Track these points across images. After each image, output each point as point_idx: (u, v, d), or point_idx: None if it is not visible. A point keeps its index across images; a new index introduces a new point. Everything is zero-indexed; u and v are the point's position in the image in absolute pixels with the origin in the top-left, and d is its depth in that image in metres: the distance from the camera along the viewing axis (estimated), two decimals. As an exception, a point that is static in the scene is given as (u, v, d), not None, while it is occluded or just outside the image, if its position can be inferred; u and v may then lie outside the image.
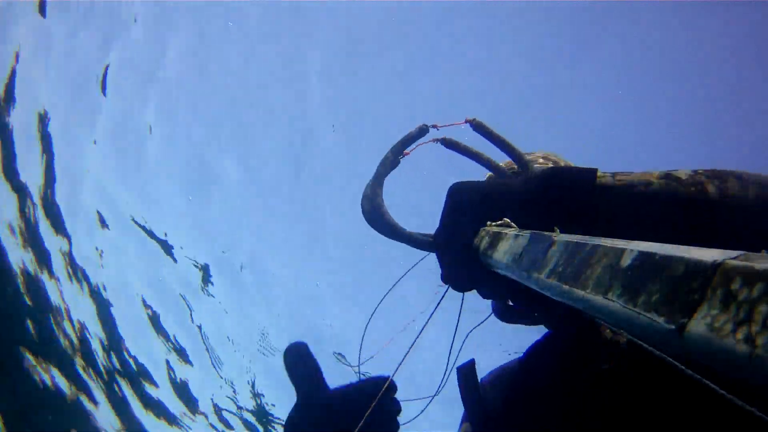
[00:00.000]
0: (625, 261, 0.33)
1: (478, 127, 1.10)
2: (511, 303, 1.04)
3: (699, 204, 0.65)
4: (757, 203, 0.65)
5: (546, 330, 1.05)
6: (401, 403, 0.87)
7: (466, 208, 0.75)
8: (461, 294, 0.86)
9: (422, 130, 1.12)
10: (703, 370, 0.27)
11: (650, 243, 0.34)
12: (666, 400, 0.79)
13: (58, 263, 8.03)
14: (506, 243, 0.60)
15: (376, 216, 0.95)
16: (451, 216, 0.78)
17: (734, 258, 0.25)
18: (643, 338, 0.30)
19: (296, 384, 0.86)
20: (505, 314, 1.11)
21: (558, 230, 0.49)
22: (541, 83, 9.33)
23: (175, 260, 9.01)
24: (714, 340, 0.24)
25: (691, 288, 0.26)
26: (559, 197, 0.71)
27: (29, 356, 7.58)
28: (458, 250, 0.75)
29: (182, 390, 9.17)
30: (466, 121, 1.12)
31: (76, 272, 8.25)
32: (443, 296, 0.94)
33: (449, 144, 1.10)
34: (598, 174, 0.71)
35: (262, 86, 9.47)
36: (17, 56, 6.97)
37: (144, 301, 8.86)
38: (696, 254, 0.28)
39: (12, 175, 7.18)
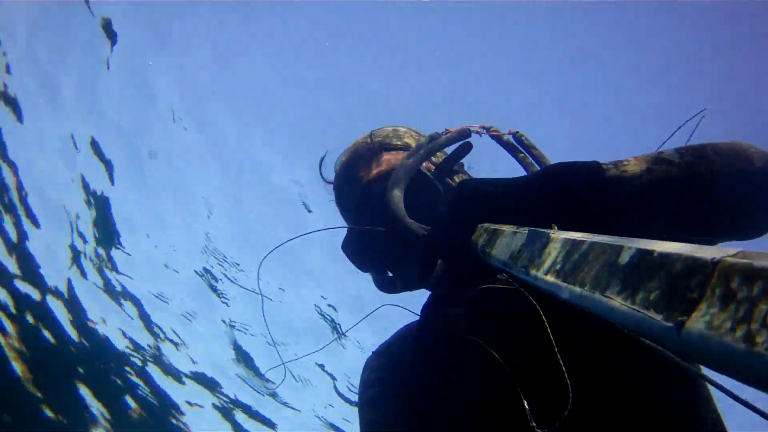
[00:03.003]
0: (624, 258, 0.33)
1: (519, 140, 1.13)
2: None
3: (695, 186, 0.70)
4: (739, 177, 0.70)
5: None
6: None
7: (469, 208, 0.75)
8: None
9: (464, 134, 1.13)
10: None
11: (648, 240, 0.33)
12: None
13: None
14: (504, 240, 0.59)
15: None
16: (455, 217, 0.77)
17: (733, 255, 0.25)
18: (642, 336, 0.30)
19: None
20: (386, 285, 1.15)
21: (556, 227, 0.49)
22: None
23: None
24: (713, 338, 0.24)
25: (690, 286, 0.26)
26: (567, 194, 0.71)
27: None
28: (459, 252, 0.74)
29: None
30: (510, 133, 1.15)
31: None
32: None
33: (519, 138, 1.13)
34: (603, 167, 0.72)
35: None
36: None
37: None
38: (695, 252, 0.27)
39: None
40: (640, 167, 0.71)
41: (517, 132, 1.16)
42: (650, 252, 0.31)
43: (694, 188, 0.70)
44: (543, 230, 0.49)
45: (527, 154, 1.13)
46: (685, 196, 0.70)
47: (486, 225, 0.69)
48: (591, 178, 0.71)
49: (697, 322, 0.25)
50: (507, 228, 0.61)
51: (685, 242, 0.30)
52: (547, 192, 0.72)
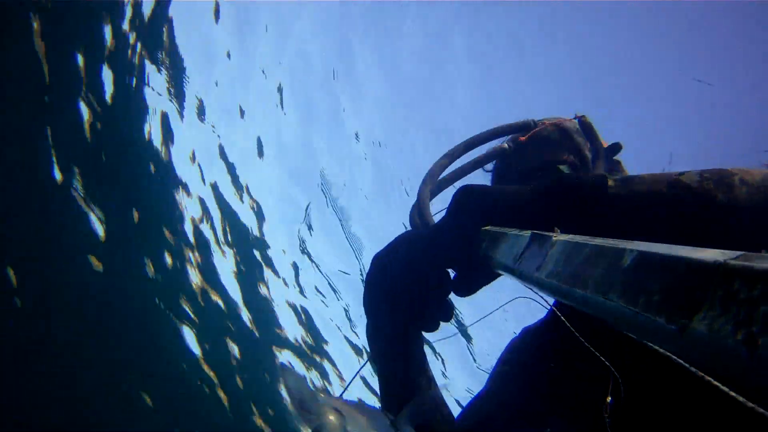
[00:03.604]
0: (625, 261, 0.33)
1: (584, 126, 1.11)
2: None
3: (708, 215, 0.65)
4: (764, 208, 0.64)
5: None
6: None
7: (472, 210, 0.75)
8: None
9: (526, 126, 1.14)
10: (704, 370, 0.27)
11: (650, 243, 0.33)
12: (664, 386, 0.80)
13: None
14: (507, 243, 0.60)
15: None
16: (455, 218, 0.77)
17: (735, 258, 0.25)
18: (644, 339, 0.30)
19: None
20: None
21: (558, 231, 0.49)
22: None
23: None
24: (715, 340, 0.24)
25: (692, 288, 0.26)
26: (567, 206, 0.71)
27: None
28: (460, 252, 0.74)
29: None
30: (576, 117, 1.13)
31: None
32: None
33: (584, 125, 1.11)
34: (609, 183, 0.70)
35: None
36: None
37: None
38: (696, 255, 0.28)
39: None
40: (649, 188, 0.68)
41: (583, 116, 1.11)
42: (652, 255, 0.31)
43: (708, 218, 0.65)
44: (545, 233, 0.49)
45: (589, 142, 1.09)
46: (695, 226, 0.66)
47: (489, 228, 0.69)
48: (593, 195, 0.70)
49: (699, 325, 0.25)
50: (510, 231, 0.61)
51: None
52: (547, 204, 0.71)
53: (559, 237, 0.46)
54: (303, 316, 8.16)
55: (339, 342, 8.34)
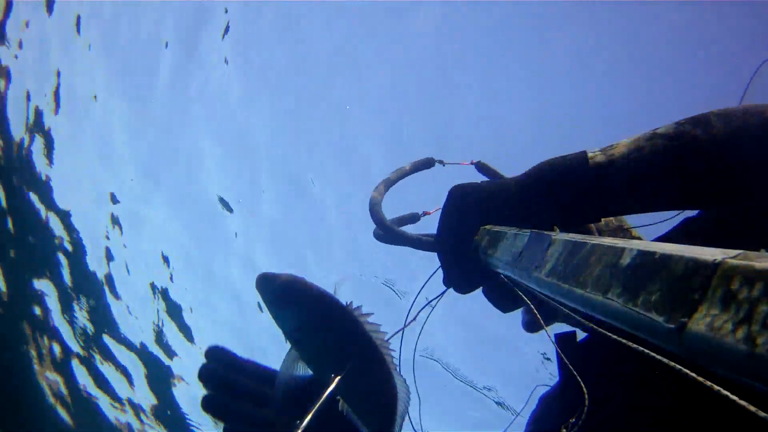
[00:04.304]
0: (625, 260, 0.33)
1: (482, 168, 1.19)
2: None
3: (690, 152, 0.66)
4: (741, 134, 0.64)
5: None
6: None
7: (467, 209, 0.75)
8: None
9: (429, 163, 1.20)
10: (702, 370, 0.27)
11: (649, 242, 0.33)
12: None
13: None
14: (506, 242, 0.60)
15: (382, 234, 1.00)
16: (451, 217, 0.78)
17: (734, 257, 0.25)
18: (643, 338, 0.30)
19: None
20: (533, 325, 1.06)
21: (558, 229, 0.49)
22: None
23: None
24: (714, 339, 0.23)
25: (691, 287, 0.26)
26: (555, 188, 0.71)
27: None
28: (459, 250, 0.75)
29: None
30: (471, 163, 1.24)
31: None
32: (441, 296, 0.95)
33: (481, 167, 1.21)
34: (589, 155, 0.71)
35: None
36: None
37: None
38: (695, 253, 0.27)
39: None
40: (628, 148, 0.69)
41: (479, 161, 1.21)
42: (652, 253, 0.31)
43: (689, 155, 0.65)
44: (545, 232, 0.49)
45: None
46: (679, 165, 0.66)
47: (488, 227, 0.69)
48: (576, 169, 0.70)
49: (698, 324, 0.25)
50: (509, 230, 0.61)
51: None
52: (536, 190, 0.72)
53: (558, 236, 0.46)
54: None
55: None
